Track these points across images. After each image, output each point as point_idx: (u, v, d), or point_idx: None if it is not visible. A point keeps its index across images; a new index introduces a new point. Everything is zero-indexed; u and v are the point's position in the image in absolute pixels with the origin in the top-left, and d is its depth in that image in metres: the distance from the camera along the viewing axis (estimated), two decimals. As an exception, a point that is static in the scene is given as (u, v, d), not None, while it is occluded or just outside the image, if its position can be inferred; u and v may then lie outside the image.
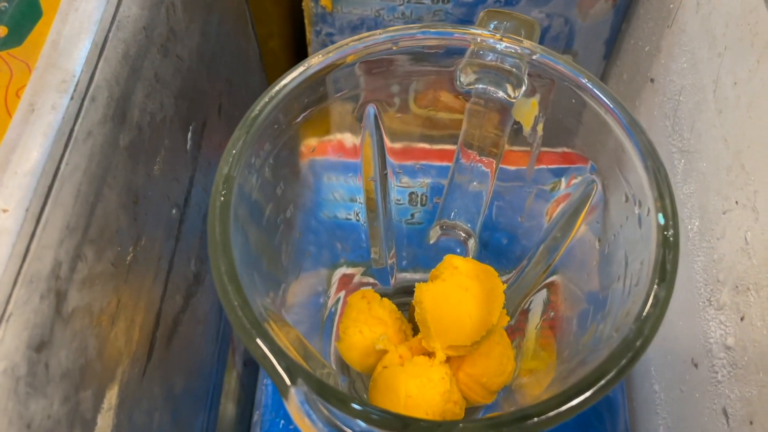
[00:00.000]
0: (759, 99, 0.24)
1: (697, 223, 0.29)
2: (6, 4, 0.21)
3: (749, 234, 0.24)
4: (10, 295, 0.17)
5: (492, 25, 0.21)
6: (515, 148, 0.26)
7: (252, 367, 0.36)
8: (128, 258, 0.21)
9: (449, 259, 0.26)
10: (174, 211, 0.25)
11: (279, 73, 0.21)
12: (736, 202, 0.25)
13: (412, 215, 0.35)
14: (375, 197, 0.28)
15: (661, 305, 0.15)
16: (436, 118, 0.27)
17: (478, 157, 0.27)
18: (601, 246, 0.21)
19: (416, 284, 0.25)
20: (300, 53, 0.47)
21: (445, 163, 0.32)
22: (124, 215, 0.21)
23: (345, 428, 0.14)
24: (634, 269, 0.17)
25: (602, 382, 0.15)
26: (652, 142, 0.18)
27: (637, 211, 0.18)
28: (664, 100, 0.33)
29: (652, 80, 0.35)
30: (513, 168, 0.25)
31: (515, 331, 0.30)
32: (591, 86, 0.19)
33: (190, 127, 0.26)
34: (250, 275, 0.18)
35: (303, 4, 0.41)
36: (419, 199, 0.35)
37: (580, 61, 0.42)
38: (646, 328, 0.15)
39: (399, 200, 0.35)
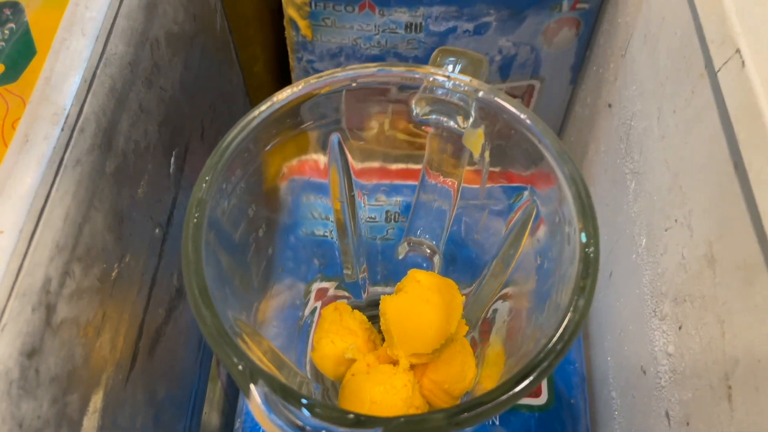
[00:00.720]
0: (693, 126, 0.26)
1: (644, 240, 0.31)
2: (3, 43, 0.24)
3: (685, 250, 0.26)
4: (5, 307, 0.19)
5: (446, 62, 0.23)
6: (474, 169, 0.28)
7: (234, 377, 0.38)
8: (113, 274, 0.23)
9: (413, 273, 0.28)
10: (157, 230, 0.27)
11: (263, 96, 0.23)
12: (676, 221, 0.28)
13: (387, 232, 0.37)
14: (343, 218, 0.30)
15: (581, 312, 0.18)
16: (402, 142, 0.29)
17: (441, 179, 0.29)
18: (540, 261, 0.23)
19: (381, 296, 0.27)
20: (284, 77, 0.49)
21: (414, 183, 0.34)
22: (110, 235, 0.23)
23: (300, 423, 0.16)
24: (563, 281, 0.19)
25: (526, 381, 0.17)
26: (578, 170, 0.20)
27: (567, 230, 0.20)
28: (618, 124, 0.36)
29: (609, 105, 0.38)
30: (469, 189, 0.27)
31: (480, 340, 0.32)
32: (527, 120, 0.21)
33: (173, 152, 0.28)
34: (222, 290, 0.20)
35: (285, 33, 0.43)
36: (393, 216, 0.38)
37: (548, 86, 0.45)
38: (566, 333, 0.17)
39: (374, 218, 0.37)
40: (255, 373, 0.17)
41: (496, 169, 0.25)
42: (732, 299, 0.23)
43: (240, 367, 0.17)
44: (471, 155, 0.26)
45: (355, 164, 0.32)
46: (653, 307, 0.29)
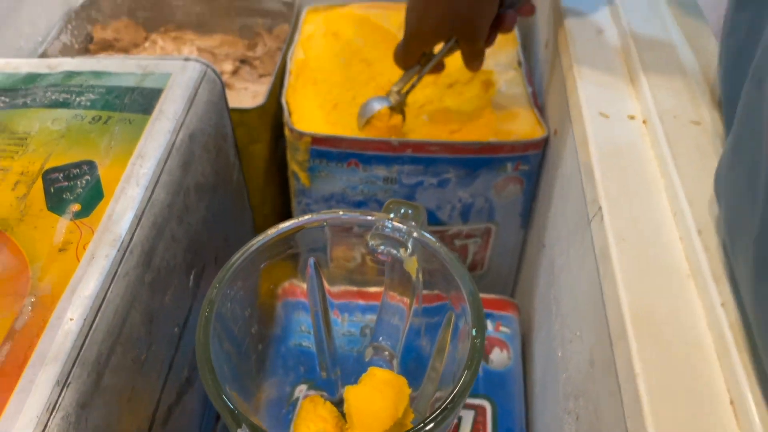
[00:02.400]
0: (582, 262, 0.35)
1: (560, 352, 0.39)
2: (81, 189, 0.33)
3: (580, 356, 0.34)
4: (70, 372, 0.27)
5: (394, 209, 0.33)
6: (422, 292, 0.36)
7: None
8: (143, 357, 0.31)
9: (372, 369, 0.35)
10: (176, 329, 0.35)
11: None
12: (577, 334, 0.36)
13: (362, 343, 0.45)
14: (319, 332, 0.38)
15: (466, 385, 0.25)
16: (370, 269, 0.38)
17: (397, 299, 0.38)
18: (455, 352, 0.31)
19: (346, 386, 0.34)
20: (286, 217, 0.59)
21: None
22: (143, 328, 0.31)
23: None
24: (461, 365, 0.27)
25: (429, 425, 0.24)
26: (476, 289, 0.28)
27: (467, 330, 0.28)
28: (548, 261, 0.45)
29: (544, 246, 0.47)
30: (418, 308, 0.36)
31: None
32: (444, 254, 0.30)
33: (193, 272, 0.37)
34: (222, 367, 0.28)
35: (288, 182, 0.53)
36: (369, 331, 0.46)
37: (502, 229, 0.54)
38: (456, 399, 0.25)
39: (352, 332, 0.45)
40: (241, 419, 0.24)
41: (434, 292, 0.33)
42: (600, 390, 0.30)
43: (230, 415, 0.25)
44: (419, 295, 0.35)
45: (332, 288, 0.40)
46: (564, 404, 0.36)
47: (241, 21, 0.66)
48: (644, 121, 0.37)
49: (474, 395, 0.46)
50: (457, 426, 0.45)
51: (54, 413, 0.26)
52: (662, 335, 0.27)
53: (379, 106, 0.48)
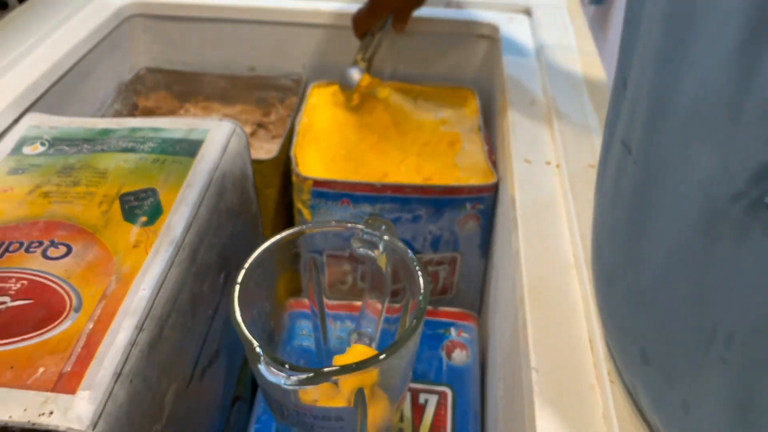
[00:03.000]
0: (504, 277, 0.48)
1: (499, 341, 0.51)
2: (147, 207, 0.47)
3: (506, 335, 0.46)
4: (144, 322, 0.39)
5: (373, 223, 0.46)
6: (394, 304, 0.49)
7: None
8: (188, 324, 0.44)
9: (355, 345, 0.48)
10: (210, 311, 0.48)
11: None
12: (503, 322, 0.48)
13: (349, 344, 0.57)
14: (317, 335, 0.50)
15: (414, 328, 0.38)
16: (356, 289, 0.51)
17: (376, 295, 0.50)
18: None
19: (334, 356, 0.47)
20: (292, 250, 0.72)
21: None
22: (188, 305, 0.44)
23: (284, 376, 0.36)
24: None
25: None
26: (427, 278, 0.41)
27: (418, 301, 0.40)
28: (496, 283, 0.57)
29: (494, 267, 0.60)
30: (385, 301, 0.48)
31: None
32: (404, 252, 0.43)
33: (223, 273, 0.50)
34: (247, 322, 0.41)
35: (294, 216, 0.67)
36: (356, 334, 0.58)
37: (466, 258, 0.67)
38: (407, 335, 0.37)
39: (342, 336, 0.57)
40: (262, 353, 0.37)
41: (400, 285, 0.46)
42: (513, 351, 0.43)
43: (255, 349, 0.37)
44: (388, 295, 0.48)
45: (329, 302, 0.53)
46: (498, 374, 0.48)
47: (258, 94, 0.81)
48: (557, 165, 0.51)
49: (438, 383, 0.57)
50: (424, 407, 0.56)
51: (133, 347, 0.38)
52: (548, 302, 0.40)
53: (358, 76, 0.70)
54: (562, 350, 0.37)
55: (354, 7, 0.74)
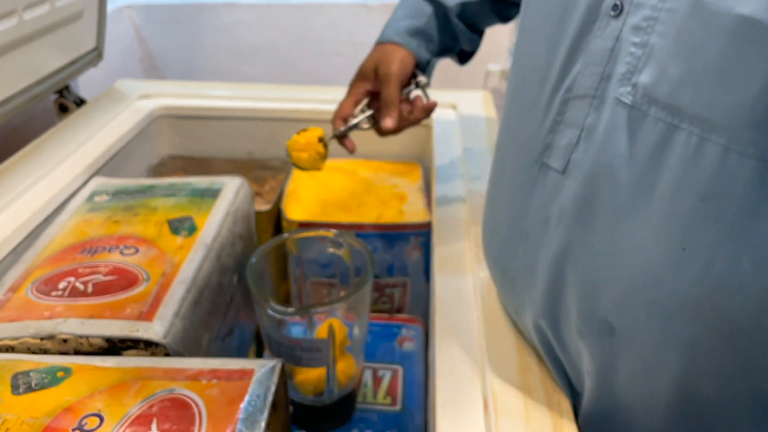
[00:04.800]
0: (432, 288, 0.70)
1: (437, 340, 0.72)
2: (186, 226, 0.69)
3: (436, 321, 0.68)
4: (189, 289, 0.61)
5: (339, 233, 0.69)
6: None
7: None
8: (216, 300, 0.65)
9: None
10: (228, 298, 0.69)
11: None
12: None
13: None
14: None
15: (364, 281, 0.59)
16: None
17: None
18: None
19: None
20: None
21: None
22: (216, 288, 0.66)
23: (284, 313, 0.57)
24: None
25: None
26: (373, 260, 0.63)
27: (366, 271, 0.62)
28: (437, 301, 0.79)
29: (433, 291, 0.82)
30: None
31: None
32: (359, 246, 0.65)
33: (236, 275, 0.72)
34: (261, 287, 0.62)
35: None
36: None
37: (414, 281, 0.89)
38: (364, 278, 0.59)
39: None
40: (267, 297, 0.58)
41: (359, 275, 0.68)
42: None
43: (266, 297, 0.58)
44: (353, 276, 0.70)
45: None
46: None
47: (254, 173, 1.06)
48: (465, 200, 0.75)
49: (392, 363, 0.78)
50: (381, 379, 0.76)
51: (184, 301, 0.59)
52: (451, 265, 0.62)
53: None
54: (456, 288, 0.59)
55: (327, 107, 1.00)
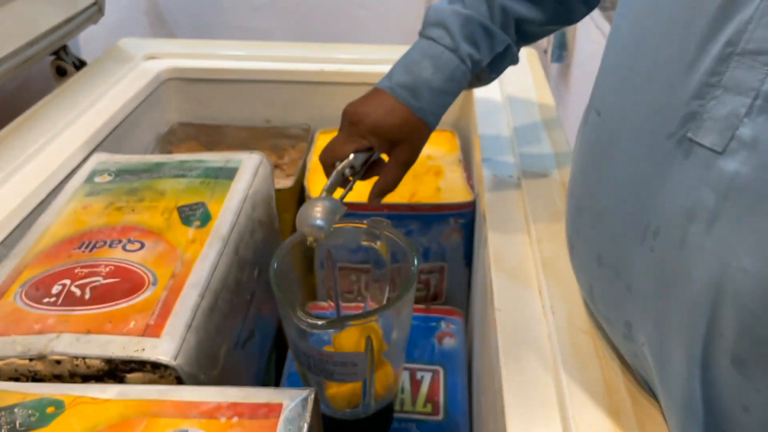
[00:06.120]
0: (478, 272, 0.61)
1: (480, 327, 0.63)
2: (199, 215, 0.60)
3: (480, 306, 0.59)
4: (203, 293, 0.52)
5: (376, 223, 0.59)
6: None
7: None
8: (234, 301, 0.56)
9: (362, 321, 0.60)
10: (248, 296, 0.60)
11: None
12: (482, 301, 0.60)
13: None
14: None
15: (409, 284, 0.50)
16: (362, 297, 0.64)
17: (372, 301, 0.63)
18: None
19: (346, 328, 0.59)
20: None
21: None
22: (234, 288, 0.57)
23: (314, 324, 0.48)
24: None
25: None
26: (418, 253, 0.54)
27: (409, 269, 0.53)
28: (482, 285, 0.70)
29: (481, 275, 0.72)
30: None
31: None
32: (399, 238, 0.56)
33: (256, 268, 0.63)
34: (284, 291, 0.53)
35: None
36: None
37: (451, 267, 0.80)
38: (404, 291, 0.50)
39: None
40: (295, 307, 0.49)
41: (398, 264, 0.59)
42: (483, 311, 0.55)
43: (293, 305, 0.50)
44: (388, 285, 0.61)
45: (343, 304, 0.66)
46: (477, 349, 0.61)
47: (273, 142, 0.96)
48: (518, 178, 0.65)
49: (432, 363, 0.69)
50: (420, 382, 0.68)
51: (198, 308, 0.51)
52: (509, 266, 0.53)
53: (312, 231, 0.55)
54: (518, 297, 0.50)
55: (352, 68, 0.90)
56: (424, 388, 0.67)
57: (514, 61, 0.61)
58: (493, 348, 0.47)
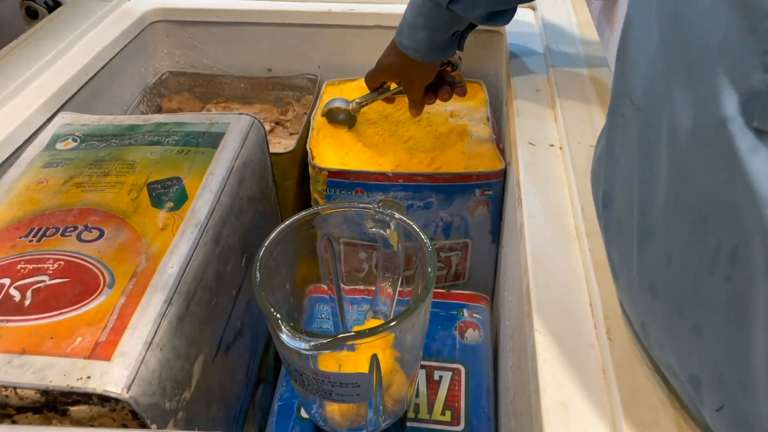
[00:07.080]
0: (511, 255, 0.50)
1: (507, 321, 0.53)
2: (173, 194, 0.50)
3: (512, 305, 0.49)
4: (172, 297, 0.42)
5: (382, 204, 0.49)
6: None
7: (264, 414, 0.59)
8: (213, 302, 0.47)
9: (372, 319, 0.50)
10: (233, 291, 0.50)
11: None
12: (510, 294, 0.50)
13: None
14: (336, 317, 0.53)
15: (425, 293, 0.40)
16: (371, 276, 0.53)
17: (386, 289, 0.53)
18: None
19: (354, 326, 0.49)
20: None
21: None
22: (214, 283, 0.47)
23: (305, 341, 0.38)
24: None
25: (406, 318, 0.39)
26: (434, 249, 0.43)
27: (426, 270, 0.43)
28: (503, 263, 0.59)
29: (503, 248, 0.62)
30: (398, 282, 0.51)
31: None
32: (413, 226, 0.45)
33: (244, 256, 0.53)
34: (268, 294, 0.43)
35: (312, 204, 0.70)
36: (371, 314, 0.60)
37: (476, 243, 0.69)
38: (417, 300, 0.40)
39: (359, 318, 0.60)
40: (283, 319, 0.39)
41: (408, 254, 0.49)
42: (520, 316, 0.45)
43: (277, 320, 0.40)
44: (401, 275, 0.50)
45: (346, 287, 0.56)
46: (508, 345, 0.51)
47: (275, 94, 0.84)
48: (560, 147, 0.53)
49: (452, 361, 0.60)
50: (438, 383, 0.58)
51: (163, 319, 0.41)
52: (551, 269, 0.42)
53: (339, 104, 0.71)
54: (564, 313, 0.39)
55: (364, 8, 0.77)
56: (443, 391, 0.58)
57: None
58: (531, 380, 0.37)
